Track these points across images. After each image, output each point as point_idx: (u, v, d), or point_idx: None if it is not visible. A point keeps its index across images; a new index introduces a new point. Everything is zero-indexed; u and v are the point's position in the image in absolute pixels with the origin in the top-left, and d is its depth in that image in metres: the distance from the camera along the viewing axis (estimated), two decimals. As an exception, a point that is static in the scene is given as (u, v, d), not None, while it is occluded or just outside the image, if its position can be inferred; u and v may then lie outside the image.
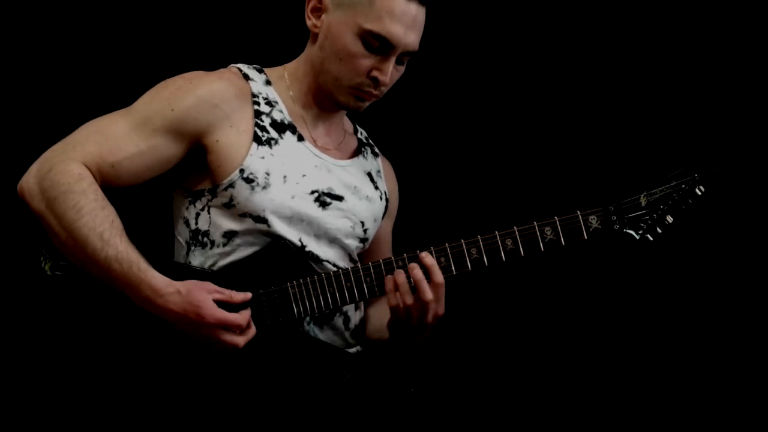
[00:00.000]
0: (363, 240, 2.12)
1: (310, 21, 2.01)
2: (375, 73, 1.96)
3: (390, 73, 1.96)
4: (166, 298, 1.83)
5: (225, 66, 2.07)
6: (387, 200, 2.20)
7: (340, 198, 2.04)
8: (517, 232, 1.90)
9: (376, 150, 2.25)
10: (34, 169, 1.90)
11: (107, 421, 1.87)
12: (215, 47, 2.61)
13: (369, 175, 2.16)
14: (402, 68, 2.02)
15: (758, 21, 2.64)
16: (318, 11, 1.99)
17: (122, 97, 2.01)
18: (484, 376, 2.71)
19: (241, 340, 1.86)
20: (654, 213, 1.89)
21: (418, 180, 2.40)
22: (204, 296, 1.84)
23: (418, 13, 1.95)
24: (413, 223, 2.33)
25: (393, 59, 1.95)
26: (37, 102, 2.66)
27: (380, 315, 2.09)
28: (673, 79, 2.71)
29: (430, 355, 2.61)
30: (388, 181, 2.24)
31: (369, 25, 1.92)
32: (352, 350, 2.07)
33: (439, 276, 1.90)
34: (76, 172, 1.87)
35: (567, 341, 2.75)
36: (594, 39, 2.75)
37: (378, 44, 1.93)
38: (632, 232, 1.90)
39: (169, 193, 2.07)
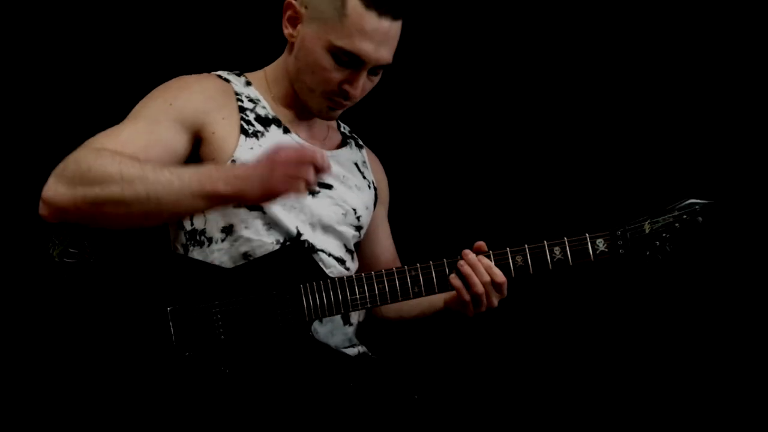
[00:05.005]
0: (358, 228, 2.15)
1: (287, 30, 2.04)
2: (345, 87, 1.99)
3: (360, 87, 1.99)
4: (242, 163, 1.90)
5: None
6: (375, 188, 2.23)
7: (329, 186, 2.08)
8: (527, 250, 1.97)
9: (360, 142, 2.29)
10: (50, 180, 1.83)
11: (108, 418, 1.84)
12: (193, 57, 2.58)
13: (356, 165, 2.19)
14: (376, 78, 2.05)
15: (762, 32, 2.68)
16: (295, 20, 2.01)
17: (115, 112, 2.01)
18: (487, 385, 2.73)
19: (312, 176, 1.77)
20: (657, 240, 1.98)
21: (432, 202, 2.40)
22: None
23: (391, 27, 1.96)
24: (427, 238, 2.36)
25: (364, 73, 1.98)
26: (37, 114, 2.64)
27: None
28: (684, 109, 2.74)
29: (434, 363, 2.64)
30: (375, 172, 2.27)
31: (340, 43, 1.93)
32: (354, 350, 2.09)
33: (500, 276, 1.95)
34: (93, 152, 1.83)
35: (570, 351, 2.78)
36: (607, 64, 2.77)
37: (348, 59, 1.95)
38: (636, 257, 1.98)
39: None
